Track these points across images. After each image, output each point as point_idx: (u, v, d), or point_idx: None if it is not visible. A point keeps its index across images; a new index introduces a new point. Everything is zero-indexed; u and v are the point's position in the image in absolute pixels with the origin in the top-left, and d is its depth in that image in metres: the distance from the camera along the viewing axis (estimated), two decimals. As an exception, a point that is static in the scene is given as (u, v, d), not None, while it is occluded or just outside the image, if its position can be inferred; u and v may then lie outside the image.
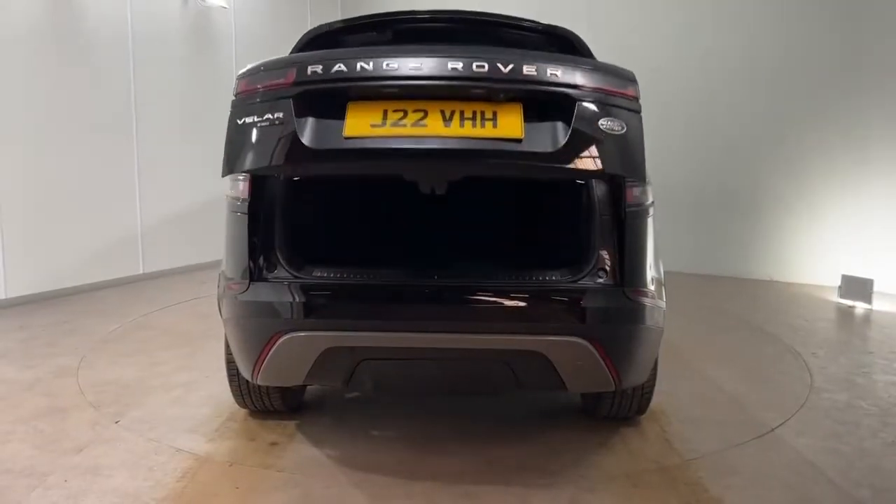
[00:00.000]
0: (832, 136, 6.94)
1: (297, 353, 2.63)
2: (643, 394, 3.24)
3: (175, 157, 7.30)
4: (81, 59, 6.32)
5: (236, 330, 2.78)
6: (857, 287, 6.19)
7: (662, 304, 2.83)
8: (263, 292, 2.65)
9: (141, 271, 7.00)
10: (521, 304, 2.59)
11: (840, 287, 6.35)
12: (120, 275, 6.80)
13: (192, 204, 7.48)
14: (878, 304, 6.12)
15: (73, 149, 6.27)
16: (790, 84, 7.13)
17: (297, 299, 2.60)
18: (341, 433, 3.30)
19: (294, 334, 2.59)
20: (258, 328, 2.67)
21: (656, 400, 3.38)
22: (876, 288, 6.17)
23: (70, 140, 6.25)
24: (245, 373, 2.84)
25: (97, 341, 4.86)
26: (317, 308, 2.62)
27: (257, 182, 2.73)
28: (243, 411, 3.52)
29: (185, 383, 4.00)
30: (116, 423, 3.41)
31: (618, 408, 3.28)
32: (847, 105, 6.82)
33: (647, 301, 2.70)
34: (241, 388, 3.31)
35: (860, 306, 6.11)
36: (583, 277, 2.63)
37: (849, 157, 6.85)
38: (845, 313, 6.03)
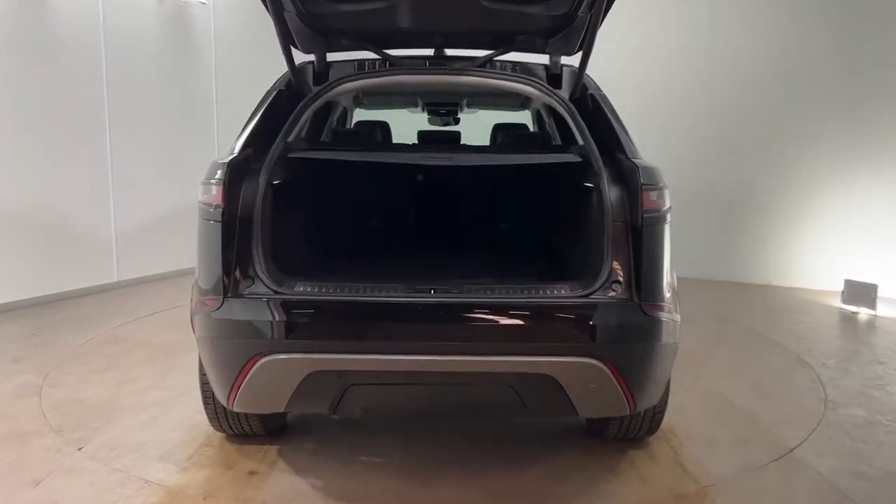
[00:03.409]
0: (834, 137, 6.76)
1: (277, 378, 2.36)
2: (655, 413, 3.00)
3: (151, 158, 6.97)
4: (50, 58, 5.99)
5: (210, 351, 2.50)
6: (861, 292, 6.00)
7: (678, 316, 2.59)
8: (239, 309, 2.37)
9: (116, 279, 6.67)
10: (527, 321, 2.33)
11: (843, 292, 6.16)
12: (94, 282, 6.45)
13: (170, 207, 7.14)
14: (883, 310, 5.93)
15: (41, 150, 5.93)
16: (792, 86, 6.94)
17: (278, 317, 2.33)
18: (327, 460, 3.03)
19: (274, 357, 2.32)
20: (234, 350, 2.39)
21: (665, 417, 3.14)
22: (880, 293, 5.97)
23: (38, 141, 5.91)
24: (220, 398, 2.57)
25: (65, 356, 4.54)
26: (299, 327, 2.35)
27: (232, 186, 2.45)
28: (220, 435, 3.23)
29: (157, 403, 3.70)
30: (80, 450, 3.12)
31: (627, 429, 3.03)
32: (851, 107, 6.63)
33: (664, 316, 2.46)
34: (218, 412, 3.03)
35: (864, 312, 5.92)
36: (595, 291, 2.38)
37: (852, 158, 6.67)
38: (849, 319, 5.84)
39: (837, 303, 6.23)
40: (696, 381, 4.09)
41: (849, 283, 6.13)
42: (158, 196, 7.10)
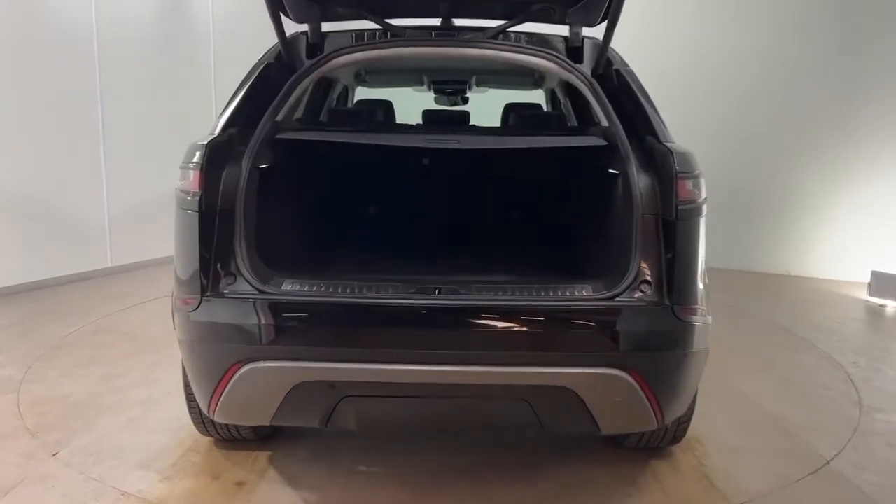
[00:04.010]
0: (861, 124, 6.42)
1: (262, 388, 2.10)
2: (680, 423, 2.73)
3: (144, 144, 6.68)
4: (40, 40, 5.70)
5: (189, 355, 2.25)
6: (889, 284, 5.70)
7: (710, 318, 2.32)
8: (219, 311, 2.11)
9: (109, 264, 6.43)
10: (544, 327, 2.06)
11: (870, 284, 5.86)
12: (86, 268, 6.22)
13: (164, 191, 6.79)
14: (912, 303, 5.64)
15: (31, 132, 5.68)
16: (817, 74, 6.61)
17: (262, 320, 2.07)
18: (322, 469, 2.78)
19: (258, 364, 2.06)
20: (213, 355, 2.14)
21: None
22: (909, 285, 5.68)
23: (27, 123, 5.65)
24: (201, 405, 2.32)
25: (50, 348, 4.30)
26: (286, 332, 2.09)
27: (212, 171, 2.18)
28: (207, 440, 2.99)
29: (143, 401, 3.46)
30: (54, 455, 2.88)
31: (649, 438, 2.77)
32: (879, 95, 6.30)
33: (698, 320, 2.19)
34: (203, 416, 2.77)
35: (892, 305, 5.62)
36: (621, 292, 2.11)
37: (879, 146, 6.34)
38: (877, 313, 5.55)
39: (863, 295, 5.93)
40: (717, 382, 3.80)
41: (876, 274, 5.83)
42: (153, 179, 6.80)
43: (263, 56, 2.67)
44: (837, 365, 4.19)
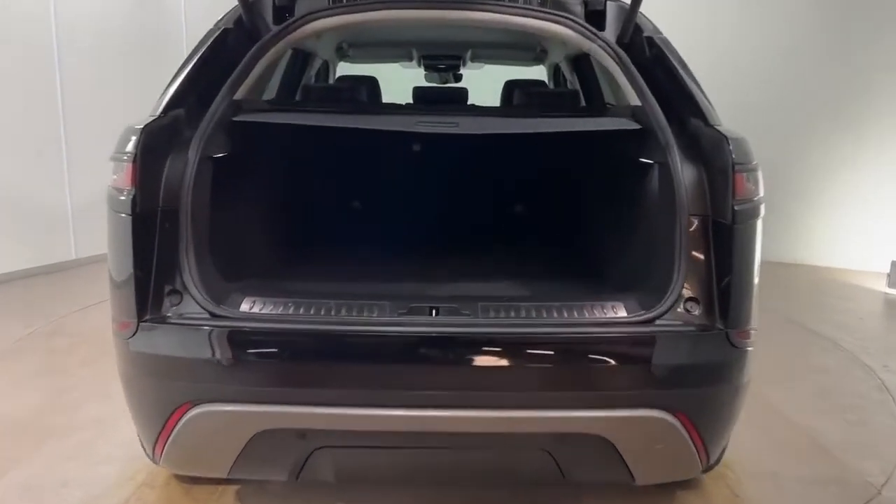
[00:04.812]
0: (879, 112, 6.06)
1: (215, 436, 1.69)
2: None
3: (109, 132, 6.16)
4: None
5: (127, 390, 1.82)
6: (910, 275, 5.35)
7: None
8: (161, 339, 1.69)
9: (74, 256, 5.98)
10: (570, 359, 1.65)
11: (889, 275, 5.51)
12: (49, 261, 5.80)
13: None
14: (935, 295, 5.30)
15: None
16: (837, 60, 6.23)
17: (214, 352, 1.64)
18: (296, 506, 2.38)
19: (209, 407, 1.65)
20: (155, 394, 1.71)
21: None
22: (931, 276, 5.34)
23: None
24: (146, 450, 1.90)
25: (0, 353, 3.86)
26: (245, 366, 1.66)
27: (149, 163, 1.73)
28: (165, 471, 2.56)
29: (95, 421, 3.05)
30: (-17, 495, 2.45)
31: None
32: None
33: (751, 345, 1.79)
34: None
35: (914, 298, 5.28)
36: (662, 313, 1.69)
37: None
38: (898, 307, 5.20)
39: (881, 286, 5.59)
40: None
41: (896, 265, 5.48)
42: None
43: (220, 20, 2.20)
44: (868, 369, 3.83)
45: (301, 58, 3.44)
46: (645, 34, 2.15)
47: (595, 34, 2.12)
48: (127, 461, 2.68)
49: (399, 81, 4.07)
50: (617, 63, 2.06)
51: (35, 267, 5.67)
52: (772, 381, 3.65)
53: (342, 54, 3.94)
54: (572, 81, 3.61)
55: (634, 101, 2.06)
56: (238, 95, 2.02)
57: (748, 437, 2.93)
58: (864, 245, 6.14)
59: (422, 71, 4.31)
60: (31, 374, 3.59)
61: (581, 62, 3.25)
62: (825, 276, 6.08)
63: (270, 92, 3.17)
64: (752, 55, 6.62)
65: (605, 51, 2.09)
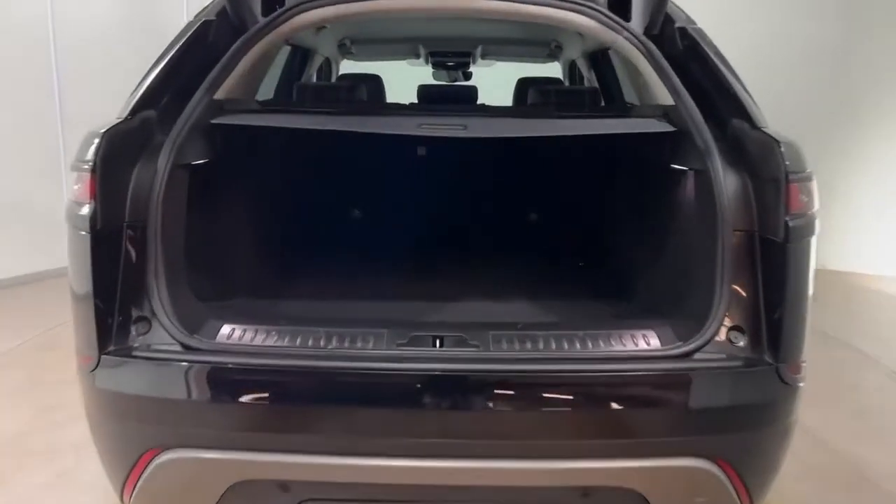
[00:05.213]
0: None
1: (186, 486, 1.47)
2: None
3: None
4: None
5: (92, 429, 1.61)
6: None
7: None
8: (125, 375, 1.47)
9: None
10: (597, 400, 1.42)
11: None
12: (47, 266, 5.64)
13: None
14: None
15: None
16: (856, 56, 5.99)
17: (187, 390, 1.43)
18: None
19: (179, 454, 1.43)
20: (120, 436, 1.50)
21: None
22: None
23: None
24: (115, 492, 1.70)
25: (-16, 368, 3.68)
26: (221, 407, 1.44)
27: (112, 172, 1.52)
28: None
29: (78, 445, 2.85)
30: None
31: None
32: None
33: (802, 380, 1.55)
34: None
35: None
36: (703, 345, 1.46)
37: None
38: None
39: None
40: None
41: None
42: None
43: (201, 12, 1.97)
44: (909, 386, 3.57)
45: (300, 55, 3.23)
46: (677, 25, 1.90)
47: (621, 24, 1.88)
48: (109, 491, 2.48)
49: (408, 81, 3.86)
50: (645, 57, 1.82)
51: (31, 273, 5.52)
52: (808, 402, 3.39)
53: (345, 51, 3.73)
54: (590, 79, 3.38)
55: (664, 99, 1.82)
56: (220, 95, 1.80)
57: (787, 467, 2.68)
58: (875, 248, 5.92)
59: (430, 69, 4.10)
60: (14, 391, 3.44)
61: (599, 58, 3.02)
62: (846, 281, 5.80)
63: (268, 92, 2.96)
64: (764, 63, 6.41)
65: (632, 43, 1.85)
